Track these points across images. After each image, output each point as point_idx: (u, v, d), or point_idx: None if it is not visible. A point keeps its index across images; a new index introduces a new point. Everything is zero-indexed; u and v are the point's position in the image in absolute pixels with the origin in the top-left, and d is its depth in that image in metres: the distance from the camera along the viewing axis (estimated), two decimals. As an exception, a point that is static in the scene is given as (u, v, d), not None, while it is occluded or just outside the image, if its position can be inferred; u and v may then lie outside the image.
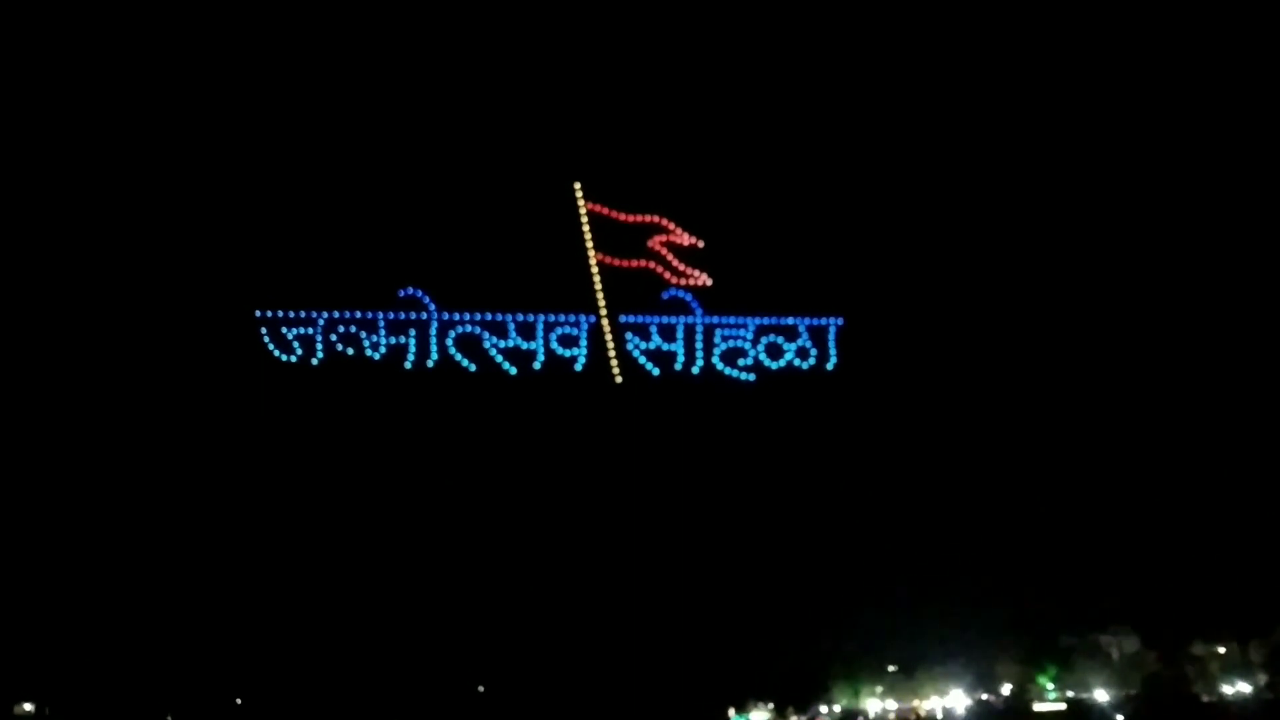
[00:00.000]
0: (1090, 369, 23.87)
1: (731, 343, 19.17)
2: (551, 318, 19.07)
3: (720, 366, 19.09)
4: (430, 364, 18.92)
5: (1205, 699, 29.69)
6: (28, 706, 26.71)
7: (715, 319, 19.19)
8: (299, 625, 24.65)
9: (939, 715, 31.11)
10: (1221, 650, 30.39)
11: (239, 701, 27.30)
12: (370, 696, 26.48)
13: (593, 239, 19.18)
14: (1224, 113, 22.91)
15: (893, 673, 31.53)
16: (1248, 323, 23.46)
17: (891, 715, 31.46)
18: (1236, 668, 30.01)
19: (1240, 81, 22.63)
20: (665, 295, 19.20)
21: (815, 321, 19.25)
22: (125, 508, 23.83)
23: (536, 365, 18.96)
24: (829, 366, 19.13)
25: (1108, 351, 23.79)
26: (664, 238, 19.21)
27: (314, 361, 18.79)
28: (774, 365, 19.11)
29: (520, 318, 19.03)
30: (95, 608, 24.85)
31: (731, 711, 30.62)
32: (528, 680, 27.15)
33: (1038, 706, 30.25)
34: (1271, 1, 21.92)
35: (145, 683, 26.23)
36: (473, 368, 18.93)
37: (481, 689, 28.04)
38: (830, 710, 31.40)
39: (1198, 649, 30.37)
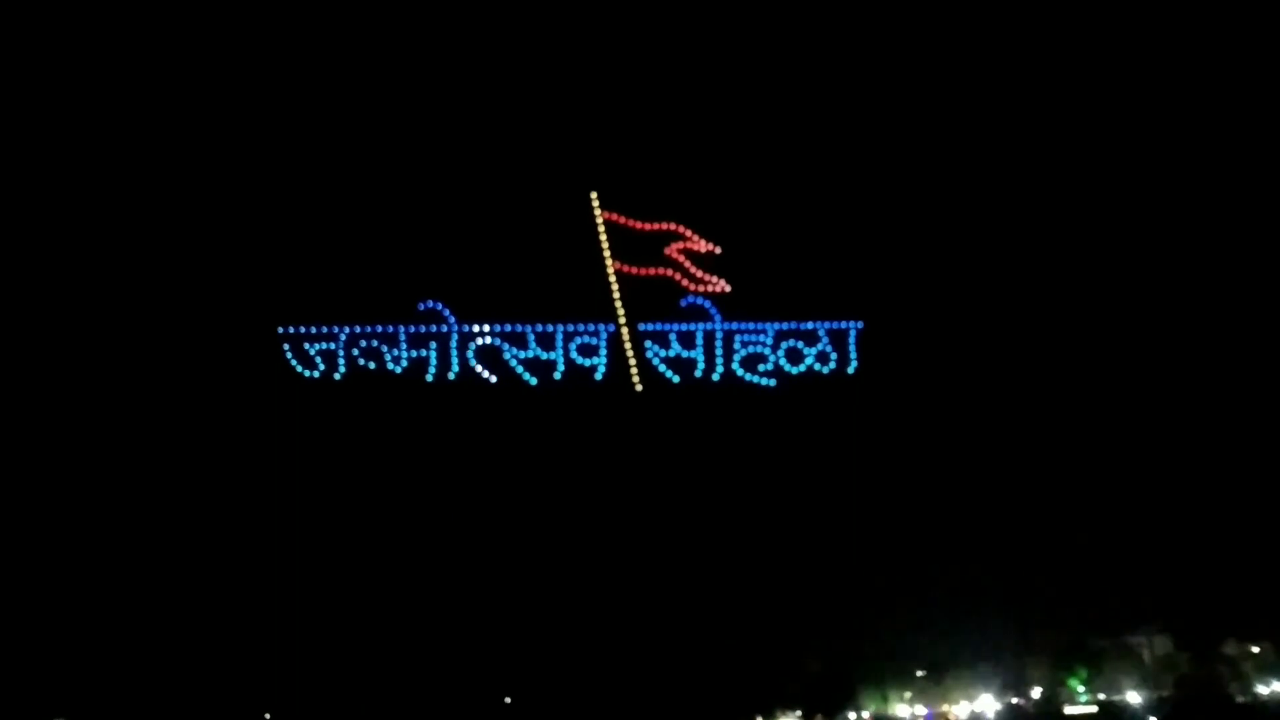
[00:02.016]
0: (1117, 370, 23.67)
1: (751, 348, 19.14)
2: (571, 327, 19.11)
3: (740, 372, 19.07)
4: (451, 376, 19.01)
5: (1240, 700, 29.28)
6: (61, 723, 26.95)
7: (734, 325, 19.18)
8: (326, 639, 24.75)
9: (968, 720, 30.85)
10: (1256, 650, 29.96)
11: (268, 717, 27.43)
12: (396, 707, 26.54)
13: (610, 248, 19.22)
14: (1254, 115, 22.72)
15: (921, 677, 31.30)
16: (1275, 326, 23.21)
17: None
18: (1272, 667, 29.58)
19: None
20: (684, 302, 19.21)
21: (835, 325, 19.20)
22: (150, 526, 24.02)
23: (557, 375, 19.01)
24: (850, 370, 19.07)
25: (1135, 353, 23.59)
26: (681, 245, 19.22)
27: (336, 376, 18.92)
28: (794, 370, 19.06)
29: (539, 328, 19.08)
30: (126, 626, 25.05)
31: (759, 718, 30.47)
32: (552, 690, 27.13)
33: (1069, 709, 29.94)
34: (1272, 1, 21.75)
35: (175, 700, 26.39)
36: (493, 379, 19.00)
37: (508, 700, 28.04)
38: (859, 716, 31.20)
39: (1231, 649, 29.96)
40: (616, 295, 19.10)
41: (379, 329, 19.01)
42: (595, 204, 19.28)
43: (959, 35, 22.64)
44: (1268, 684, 29.51)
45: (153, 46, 22.13)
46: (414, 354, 19.00)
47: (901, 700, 31.25)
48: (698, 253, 19.24)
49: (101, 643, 25.13)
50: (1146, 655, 30.58)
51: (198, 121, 22.30)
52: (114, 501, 23.71)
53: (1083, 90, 22.83)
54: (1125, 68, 22.66)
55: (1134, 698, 29.78)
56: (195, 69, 22.24)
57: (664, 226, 19.32)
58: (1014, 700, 30.62)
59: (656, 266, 19.24)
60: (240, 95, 22.27)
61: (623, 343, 19.08)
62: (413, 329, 19.06)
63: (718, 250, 19.29)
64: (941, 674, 31.06)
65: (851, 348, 19.11)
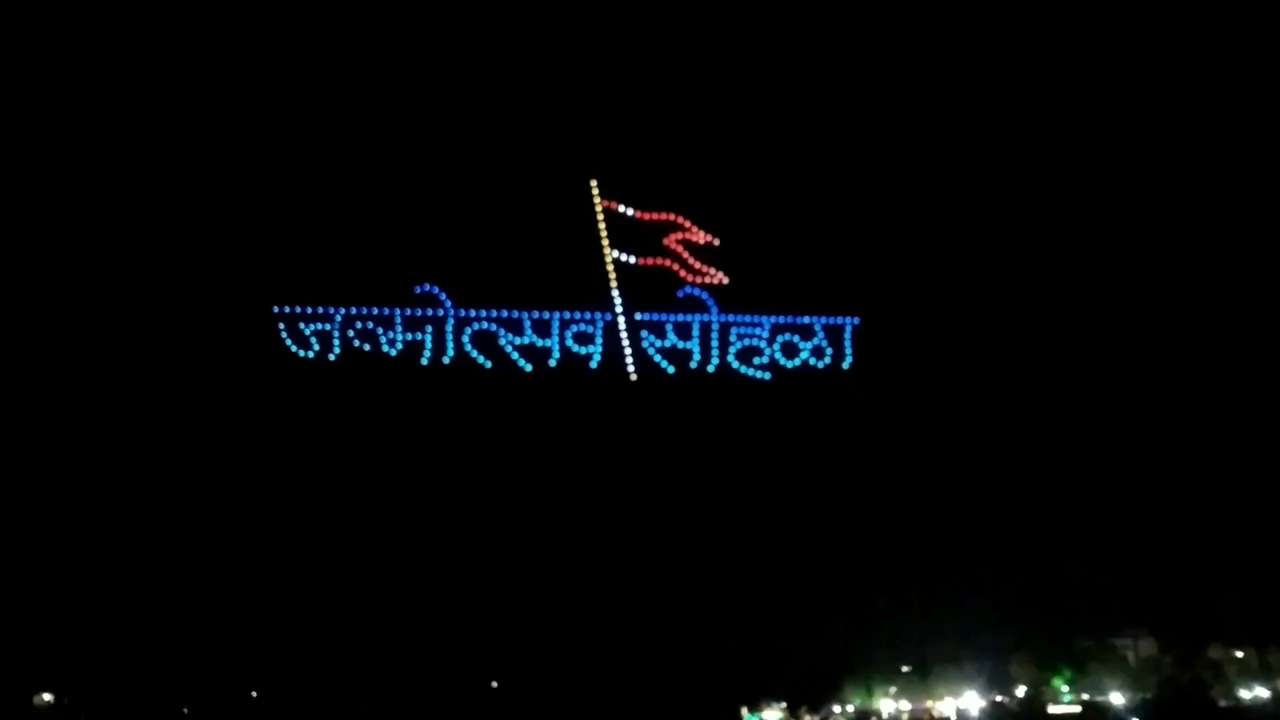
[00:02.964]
0: (1109, 371, 23.74)
1: (747, 341, 19.15)
2: (567, 315, 19.11)
3: (735, 365, 19.09)
4: (446, 360, 18.99)
5: (1222, 703, 29.47)
6: (47, 697, 26.96)
7: (731, 317, 19.19)
8: (314, 619, 24.77)
9: (952, 716, 31.00)
10: (1239, 654, 30.15)
11: (254, 694, 27.46)
12: (383, 691, 26.58)
13: (609, 237, 19.20)
14: (1245, 113, 22.77)
15: (906, 673, 31.41)
16: (1266, 328, 23.28)
17: (905, 716, 31.36)
18: (1253, 672, 29.77)
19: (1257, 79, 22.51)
20: (681, 293, 19.20)
21: (831, 320, 19.22)
22: (143, 502, 24.00)
23: (552, 362, 19.01)
24: (844, 366, 19.10)
25: (1127, 353, 23.66)
26: (680, 236, 19.22)
27: (331, 357, 18.89)
28: (789, 364, 19.09)
29: (536, 315, 19.07)
30: (114, 601, 25.04)
31: (745, 710, 30.58)
32: (540, 678, 27.18)
33: (1052, 709, 30.08)
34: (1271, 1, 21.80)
35: (162, 675, 26.41)
36: (488, 364, 18.99)
37: (495, 684, 28.11)
38: (843, 710, 31.31)
39: (1215, 653, 30.13)
40: (614, 284, 19.10)
41: (375, 311, 18.98)
42: (595, 192, 19.25)
43: (955, 35, 22.65)
44: (1250, 688, 29.69)
45: (150, 31, 22.03)
46: (409, 337, 18.97)
47: (886, 696, 31.36)
48: (696, 244, 19.23)
49: (87, 619, 25.12)
50: (1131, 657, 30.74)
51: (196, 104, 22.23)
52: (107, 478, 23.68)
53: (1075, 90, 22.87)
54: (1116, 67, 22.70)
55: (1117, 698, 29.94)
56: (192, 53, 22.16)
57: (663, 217, 19.30)
58: (998, 698, 30.76)
59: (655, 257, 19.23)
60: (239, 78, 22.19)
61: (619, 332, 19.07)
62: (409, 312, 19.03)
63: (716, 242, 19.28)
64: (927, 670, 31.18)
65: (847, 343, 19.14)
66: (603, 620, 25.67)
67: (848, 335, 19.16)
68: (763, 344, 19.14)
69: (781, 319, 19.19)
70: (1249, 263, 23.13)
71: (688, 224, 19.30)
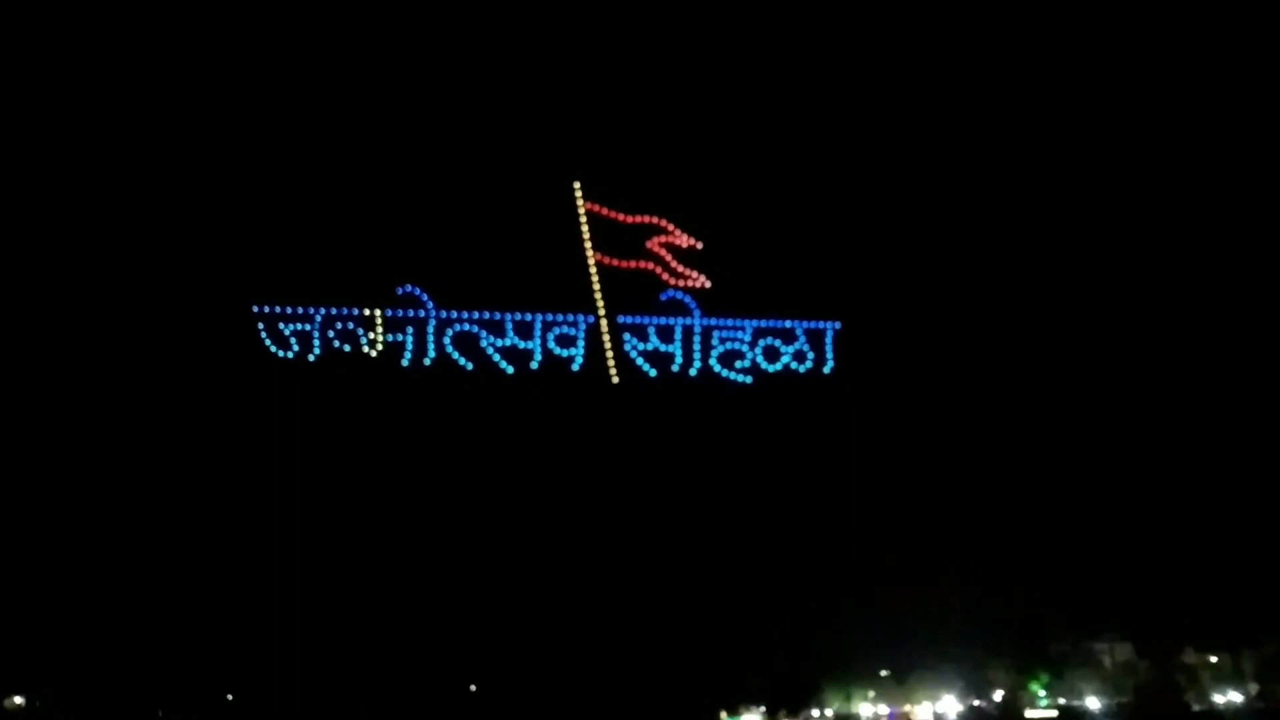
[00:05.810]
0: (1087, 376, 23.90)
1: (729, 345, 19.17)
2: (549, 317, 19.06)
3: (717, 369, 19.10)
4: (427, 362, 18.90)
5: (1197, 708, 29.73)
6: (18, 700, 26.63)
7: (713, 321, 19.20)
8: (291, 621, 24.59)
9: (930, 720, 31.15)
10: (1214, 659, 30.43)
11: (229, 698, 27.23)
12: (360, 694, 26.44)
13: (591, 239, 19.17)
14: (1204, 112, 23.00)
15: (885, 677, 31.54)
16: (1242, 329, 23.52)
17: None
18: (1229, 677, 30.05)
19: (1232, 82, 22.71)
20: (663, 296, 19.20)
21: (813, 325, 19.27)
22: (118, 502, 23.76)
23: (534, 365, 18.96)
24: (826, 370, 19.15)
25: (1104, 358, 23.83)
26: (663, 239, 19.21)
27: (310, 358, 18.76)
28: (771, 368, 19.12)
29: (518, 317, 19.02)
30: (86, 603, 24.77)
31: (723, 714, 30.62)
32: (519, 681, 27.11)
33: (1029, 713, 30.27)
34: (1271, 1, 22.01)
35: (136, 678, 26.15)
36: (470, 366, 18.92)
37: (474, 688, 28.00)
38: (822, 714, 31.40)
39: (1190, 658, 30.40)
40: (596, 286, 19.06)
41: (355, 312, 18.87)
42: (578, 194, 19.22)
43: (936, 41, 22.77)
44: (1223, 693, 29.98)
45: (132, 30, 21.84)
46: (390, 338, 18.87)
47: (865, 699, 31.48)
48: (679, 247, 19.24)
49: (59, 622, 24.84)
50: (1107, 661, 30.97)
51: (177, 104, 22.04)
52: (81, 478, 23.43)
53: (1052, 91, 23.03)
54: (1093, 65, 22.86)
55: (1093, 703, 30.16)
56: (174, 53, 21.98)
57: (646, 219, 19.29)
58: (975, 702, 30.92)
59: (637, 259, 19.21)
60: (219, 76, 22.02)
61: (601, 334, 19.05)
62: (390, 313, 18.92)
63: (699, 245, 19.29)
64: (905, 674, 31.32)
65: (828, 348, 19.18)
66: (582, 622, 25.62)
67: (830, 339, 19.21)
68: (745, 348, 19.16)
69: (763, 323, 19.23)
70: (1229, 264, 23.35)
71: (670, 227, 19.30)
